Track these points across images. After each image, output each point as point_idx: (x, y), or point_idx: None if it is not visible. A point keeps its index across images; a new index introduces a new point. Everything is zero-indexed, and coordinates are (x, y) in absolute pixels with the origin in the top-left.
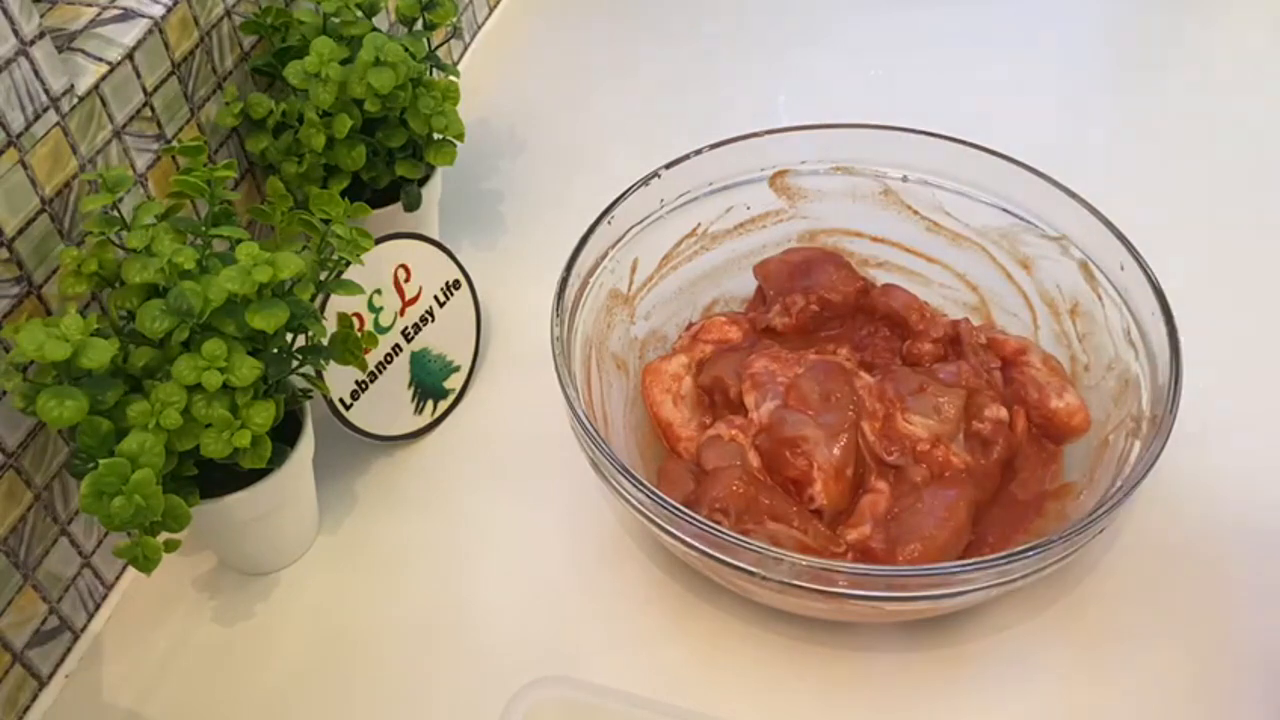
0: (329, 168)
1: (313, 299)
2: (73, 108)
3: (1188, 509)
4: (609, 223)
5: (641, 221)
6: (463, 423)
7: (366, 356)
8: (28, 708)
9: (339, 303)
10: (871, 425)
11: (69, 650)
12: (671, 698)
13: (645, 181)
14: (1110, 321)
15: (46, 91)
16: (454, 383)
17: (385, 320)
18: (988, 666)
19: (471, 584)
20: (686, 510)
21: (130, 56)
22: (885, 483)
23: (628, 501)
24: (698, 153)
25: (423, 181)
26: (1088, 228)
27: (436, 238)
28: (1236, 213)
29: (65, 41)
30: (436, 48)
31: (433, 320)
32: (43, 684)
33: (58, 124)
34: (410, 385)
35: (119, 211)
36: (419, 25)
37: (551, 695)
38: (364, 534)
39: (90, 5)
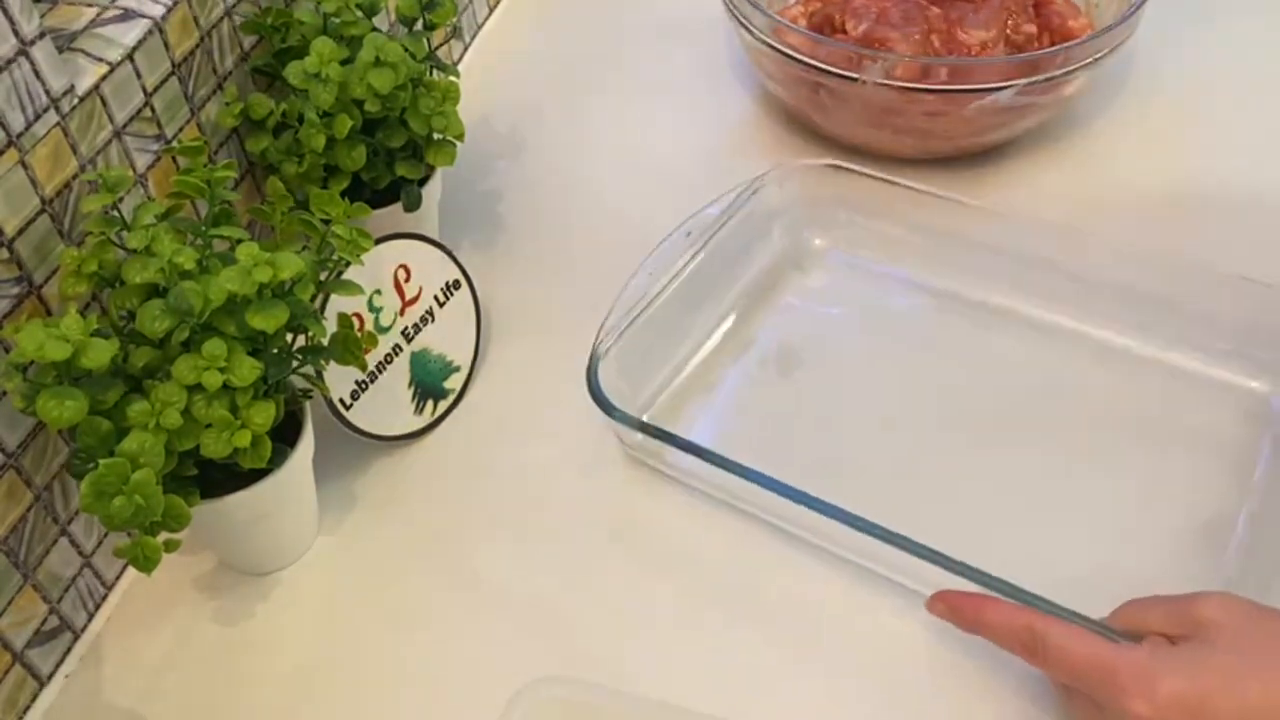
0: (329, 168)
1: (313, 299)
2: (73, 108)
3: None
4: None
5: None
6: (463, 423)
7: (366, 356)
8: (28, 708)
9: (339, 303)
10: (939, 36)
11: (69, 650)
12: (673, 698)
13: None
14: None
15: (47, 92)
16: (454, 383)
17: (385, 320)
18: None
19: (471, 583)
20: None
21: (130, 57)
22: None
23: None
24: None
25: (423, 182)
26: None
27: (436, 238)
28: None
29: (65, 42)
30: (436, 48)
31: (433, 320)
32: (43, 684)
33: (58, 124)
34: (410, 385)
35: (119, 211)
36: (419, 25)
37: (551, 695)
38: (364, 534)
39: (90, 5)
